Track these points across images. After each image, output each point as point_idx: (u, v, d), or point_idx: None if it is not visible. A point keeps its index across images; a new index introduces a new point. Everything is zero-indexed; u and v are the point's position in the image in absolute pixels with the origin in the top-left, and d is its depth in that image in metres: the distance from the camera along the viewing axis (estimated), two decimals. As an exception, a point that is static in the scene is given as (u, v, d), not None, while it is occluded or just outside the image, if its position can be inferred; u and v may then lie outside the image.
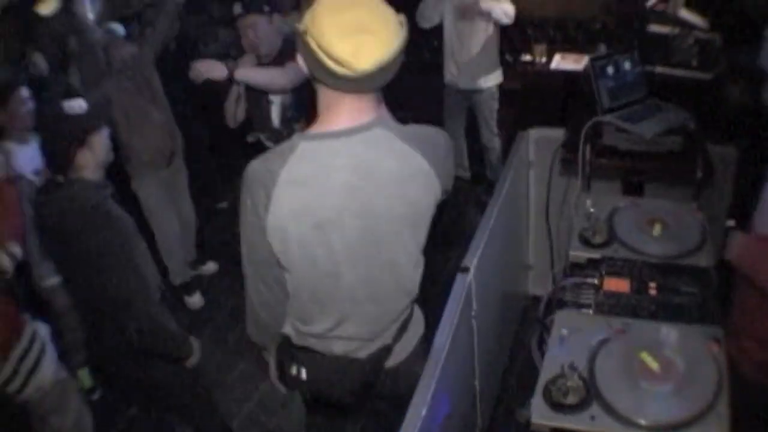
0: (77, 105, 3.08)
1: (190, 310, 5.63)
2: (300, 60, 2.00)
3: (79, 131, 3.02)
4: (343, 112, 2.00)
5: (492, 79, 5.96)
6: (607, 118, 3.55)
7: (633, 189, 3.66)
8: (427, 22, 5.83)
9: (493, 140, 6.22)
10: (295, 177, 1.99)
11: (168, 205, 5.46)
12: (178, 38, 6.72)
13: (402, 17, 1.97)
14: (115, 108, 4.89)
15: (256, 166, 2.05)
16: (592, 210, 2.92)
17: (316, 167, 2.00)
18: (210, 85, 4.54)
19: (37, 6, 8.64)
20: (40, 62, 6.36)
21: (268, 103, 4.47)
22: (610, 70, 3.74)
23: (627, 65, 3.84)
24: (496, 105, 6.09)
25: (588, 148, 3.45)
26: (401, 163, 2.03)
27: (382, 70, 1.89)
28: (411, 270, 2.19)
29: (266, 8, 4.34)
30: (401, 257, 2.14)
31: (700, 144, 3.49)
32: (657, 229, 2.87)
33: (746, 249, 2.43)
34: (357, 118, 2.01)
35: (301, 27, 1.93)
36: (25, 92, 4.28)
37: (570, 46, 6.92)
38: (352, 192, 2.00)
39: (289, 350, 2.29)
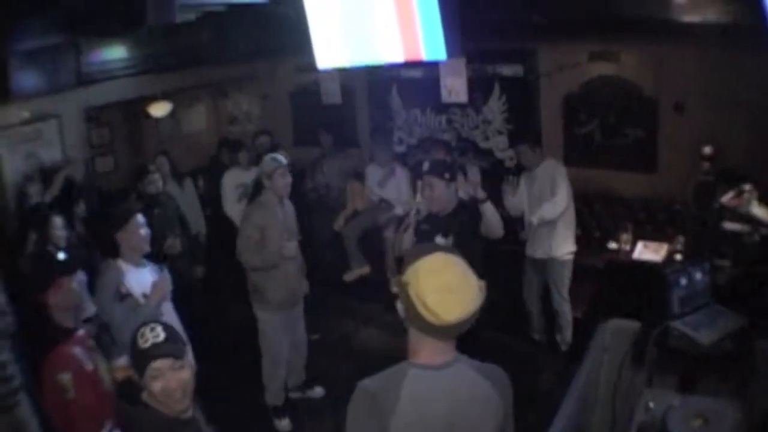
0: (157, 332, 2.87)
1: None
2: (399, 305, 2.53)
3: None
4: (433, 351, 2.50)
5: (563, 249, 6.57)
6: (675, 324, 4.11)
7: (688, 385, 4.06)
8: (513, 212, 6.67)
9: (563, 305, 6.72)
10: (413, 395, 2.44)
11: (284, 332, 6.08)
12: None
13: (482, 283, 2.49)
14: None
15: (376, 385, 2.51)
16: (651, 405, 3.50)
17: (427, 391, 2.47)
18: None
19: (150, 108, 9.64)
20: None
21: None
22: (683, 280, 4.26)
23: (698, 276, 4.35)
24: (568, 273, 6.65)
25: (654, 350, 4.01)
26: (478, 393, 2.53)
27: (461, 323, 2.39)
28: None
29: (446, 175, 5.13)
30: None
31: (748, 346, 3.99)
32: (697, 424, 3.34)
33: None
34: (442, 356, 2.51)
35: (403, 279, 2.47)
36: (140, 218, 4.84)
37: (653, 228, 7.35)
38: (448, 416, 2.47)
39: None
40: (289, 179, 5.89)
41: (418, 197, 5.38)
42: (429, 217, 5.27)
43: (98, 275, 4.74)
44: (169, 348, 2.85)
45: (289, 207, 6.12)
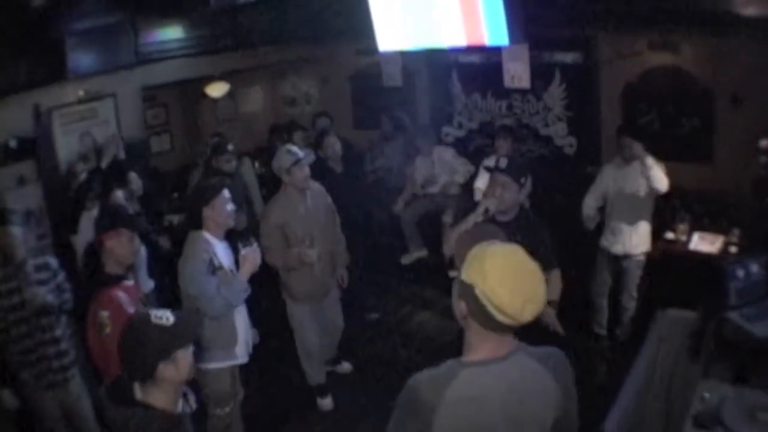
0: (165, 316, 2.90)
1: (321, 412, 6.22)
2: (460, 304, 2.47)
3: (164, 343, 2.84)
4: (494, 345, 2.46)
5: (641, 247, 6.57)
6: (732, 315, 4.12)
7: (743, 377, 4.09)
8: (590, 224, 6.74)
9: (630, 303, 6.72)
10: (459, 398, 2.38)
11: (312, 318, 6.10)
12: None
13: (543, 275, 2.46)
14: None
15: (423, 382, 2.46)
16: (706, 395, 3.51)
17: (478, 391, 2.41)
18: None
19: (208, 89, 9.74)
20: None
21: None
22: (740, 273, 4.30)
23: (755, 268, 4.39)
24: (640, 272, 6.64)
25: (711, 341, 4.02)
26: (538, 383, 2.48)
27: (533, 319, 2.37)
28: None
29: (523, 180, 4.73)
30: None
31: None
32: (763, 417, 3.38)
33: None
34: (504, 348, 2.47)
35: (468, 280, 2.40)
36: (227, 193, 4.87)
37: (708, 219, 7.29)
38: (506, 410, 2.42)
39: None
40: (307, 171, 5.77)
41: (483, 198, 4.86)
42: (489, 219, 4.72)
43: (185, 245, 4.82)
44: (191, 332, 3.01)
45: (317, 196, 6.01)
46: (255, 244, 4.89)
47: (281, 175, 5.81)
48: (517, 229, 4.39)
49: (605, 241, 6.73)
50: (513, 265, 2.40)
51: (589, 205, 6.77)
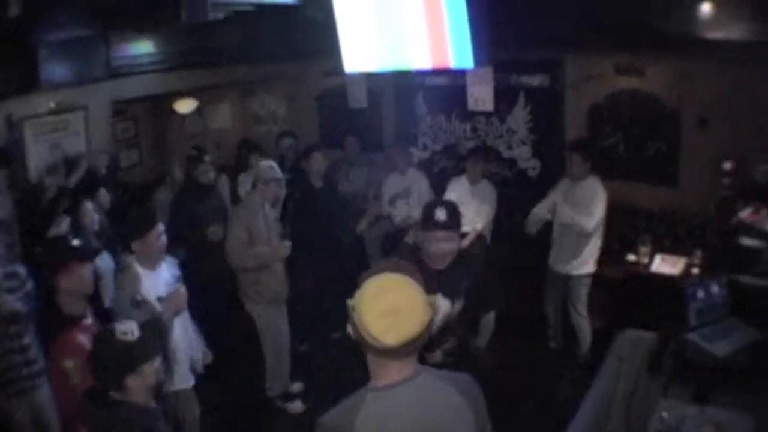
0: (130, 331, 3.13)
1: (291, 416, 6.30)
2: (349, 328, 2.48)
3: (130, 359, 3.08)
4: (387, 373, 2.45)
5: (583, 269, 6.64)
6: (691, 336, 4.18)
7: (703, 397, 4.16)
8: (534, 223, 6.81)
9: (580, 321, 6.78)
10: (370, 417, 2.39)
11: (281, 321, 6.26)
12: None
13: (432, 299, 2.47)
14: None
15: (333, 415, 2.47)
16: (665, 415, 3.56)
17: (387, 410, 2.41)
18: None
19: (177, 104, 9.73)
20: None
21: None
22: (700, 294, 4.36)
23: (715, 289, 4.44)
24: (585, 291, 6.70)
25: (671, 361, 4.08)
26: (448, 400, 2.49)
27: (407, 344, 2.35)
28: None
29: (457, 231, 4.22)
30: None
31: (763, 359, 4.05)
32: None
33: None
34: (407, 371, 2.45)
35: (350, 303, 2.45)
36: (161, 227, 4.85)
37: (671, 241, 7.40)
38: (417, 428, 2.42)
39: None
40: (281, 193, 6.15)
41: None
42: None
43: (117, 276, 4.87)
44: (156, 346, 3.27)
45: (270, 211, 6.20)
46: (180, 285, 4.83)
47: (258, 184, 6.05)
48: (451, 273, 4.13)
49: (551, 259, 6.85)
50: (388, 288, 2.42)
51: (535, 211, 6.85)
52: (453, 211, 4.14)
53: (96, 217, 6.22)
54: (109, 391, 3.13)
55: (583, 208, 6.45)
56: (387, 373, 2.45)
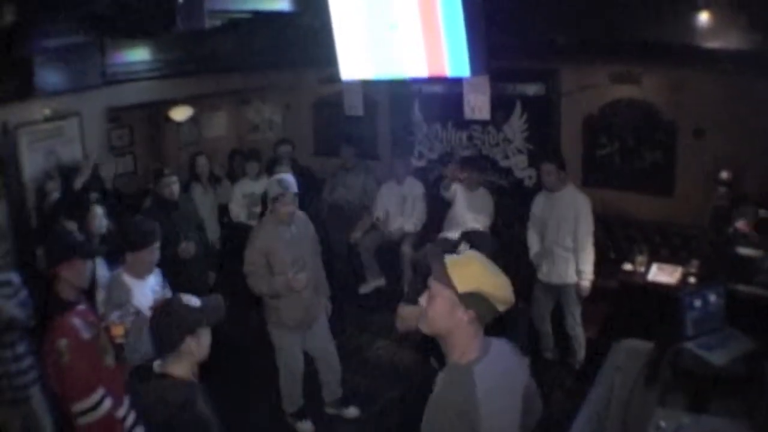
0: (192, 300, 3.36)
1: None
2: (461, 314, 2.63)
3: (191, 321, 3.28)
4: (477, 344, 2.70)
5: (581, 276, 6.55)
6: (688, 345, 4.16)
7: (700, 406, 4.16)
8: (539, 260, 6.78)
9: (576, 329, 6.74)
10: (487, 391, 2.57)
11: (300, 348, 6.04)
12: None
13: None
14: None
15: (445, 399, 2.61)
16: (662, 424, 3.54)
17: (494, 382, 2.63)
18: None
19: (172, 112, 9.72)
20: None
21: None
22: (697, 303, 4.34)
23: (712, 298, 4.43)
24: (579, 299, 6.65)
25: (667, 370, 4.06)
26: (515, 362, 2.88)
27: None
28: None
29: None
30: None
31: (759, 369, 4.04)
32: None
33: None
34: (483, 344, 2.72)
35: (469, 290, 2.60)
36: (157, 245, 4.88)
37: (668, 251, 7.44)
38: (508, 397, 2.72)
39: None
40: (292, 207, 5.64)
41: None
42: None
43: (106, 289, 4.89)
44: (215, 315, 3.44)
45: (302, 225, 5.92)
46: (168, 293, 4.80)
47: (268, 203, 5.77)
48: None
49: (542, 274, 6.78)
50: (486, 264, 2.72)
51: (533, 241, 6.85)
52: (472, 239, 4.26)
53: (104, 222, 6.16)
54: (162, 354, 3.31)
55: (570, 220, 6.46)
56: (478, 343, 2.70)
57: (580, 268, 6.48)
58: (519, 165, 8.72)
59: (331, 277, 6.69)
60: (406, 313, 4.32)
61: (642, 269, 6.98)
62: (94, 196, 6.62)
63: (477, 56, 5.56)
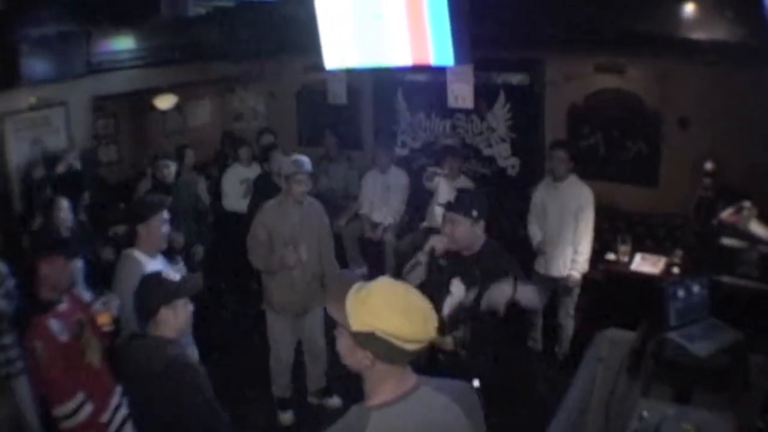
0: (172, 274, 3.63)
1: (279, 425, 6.17)
2: (360, 354, 2.28)
3: (167, 292, 3.52)
4: (397, 382, 2.33)
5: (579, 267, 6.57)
6: (671, 335, 4.16)
7: (683, 397, 4.18)
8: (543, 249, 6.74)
9: (567, 321, 6.77)
10: None
11: (290, 334, 6.02)
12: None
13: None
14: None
15: None
16: (645, 414, 3.54)
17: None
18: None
19: (156, 101, 9.70)
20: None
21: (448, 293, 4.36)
22: (681, 293, 4.31)
23: (696, 288, 4.41)
24: (578, 291, 6.68)
25: (650, 361, 4.06)
26: (447, 415, 2.37)
27: (425, 344, 2.29)
28: None
29: (474, 213, 4.26)
30: None
31: (743, 360, 4.06)
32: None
33: None
34: (408, 383, 2.35)
35: (363, 329, 2.25)
36: (165, 214, 4.82)
37: (652, 241, 7.46)
38: None
39: None
40: (305, 186, 5.63)
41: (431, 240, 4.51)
42: (449, 254, 4.43)
43: (116, 266, 4.76)
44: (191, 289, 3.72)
45: (313, 213, 5.89)
46: (114, 300, 4.52)
47: (280, 182, 5.81)
48: (476, 262, 4.25)
49: (540, 265, 6.79)
50: (394, 293, 2.31)
51: (535, 232, 6.84)
52: (463, 197, 4.43)
53: (70, 216, 6.11)
54: (142, 321, 3.57)
55: (571, 213, 6.49)
56: (392, 385, 2.34)
57: (575, 259, 6.52)
58: (502, 154, 8.72)
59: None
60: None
61: (625, 259, 7.02)
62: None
63: (461, 45, 5.53)
